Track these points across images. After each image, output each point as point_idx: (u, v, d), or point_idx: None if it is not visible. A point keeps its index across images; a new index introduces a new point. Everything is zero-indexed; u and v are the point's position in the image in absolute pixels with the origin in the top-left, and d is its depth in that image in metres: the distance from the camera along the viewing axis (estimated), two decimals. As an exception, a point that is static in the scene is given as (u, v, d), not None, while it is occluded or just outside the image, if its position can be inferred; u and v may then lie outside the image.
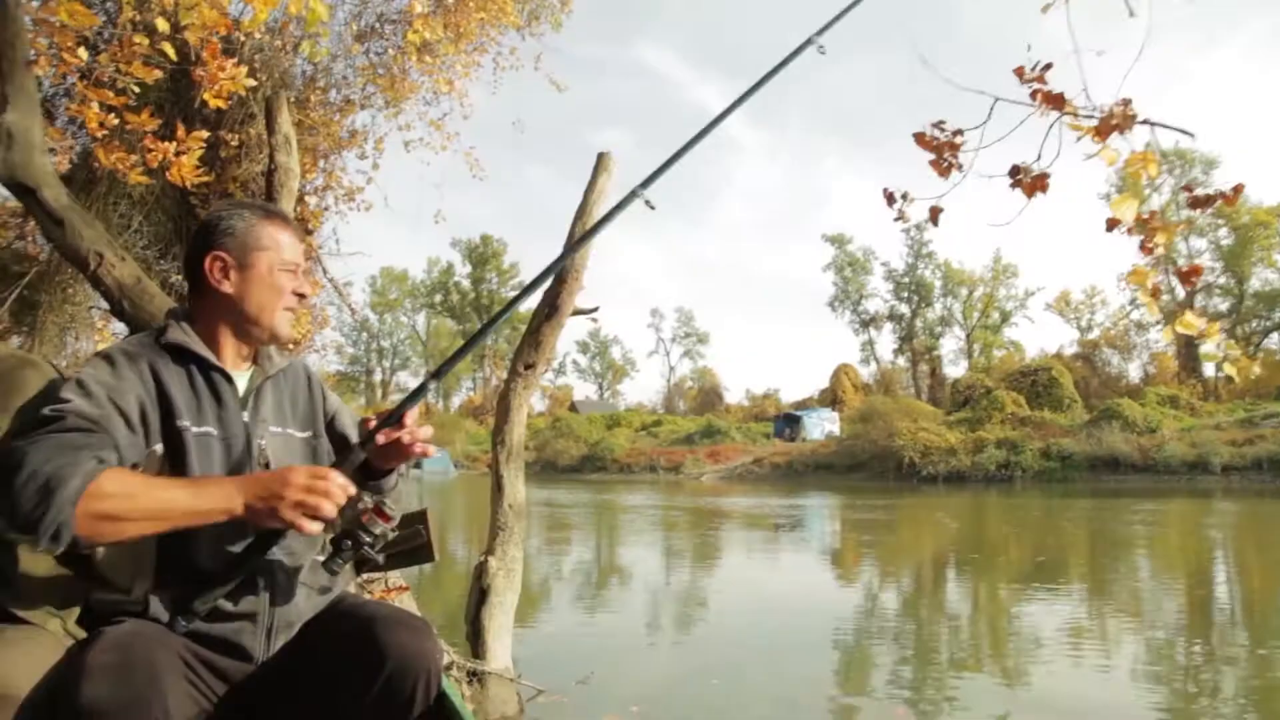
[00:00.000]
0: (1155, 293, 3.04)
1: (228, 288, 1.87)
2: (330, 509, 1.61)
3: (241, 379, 1.90)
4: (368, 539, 1.76)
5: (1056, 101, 2.98)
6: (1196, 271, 3.57)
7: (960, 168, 3.20)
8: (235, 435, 1.80)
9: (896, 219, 3.29)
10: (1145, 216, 2.98)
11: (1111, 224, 2.99)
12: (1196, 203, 2.99)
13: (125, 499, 1.50)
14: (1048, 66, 3.00)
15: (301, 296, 1.96)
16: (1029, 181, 3.12)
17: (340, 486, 1.63)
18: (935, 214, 3.25)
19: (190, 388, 1.79)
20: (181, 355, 1.81)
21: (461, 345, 1.95)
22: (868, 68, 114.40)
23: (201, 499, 1.56)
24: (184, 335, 1.83)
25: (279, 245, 1.92)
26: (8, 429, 1.72)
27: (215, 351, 1.86)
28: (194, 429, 1.75)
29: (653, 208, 2.07)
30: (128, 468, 1.60)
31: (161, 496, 1.54)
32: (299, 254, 1.97)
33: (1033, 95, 3.02)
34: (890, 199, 3.27)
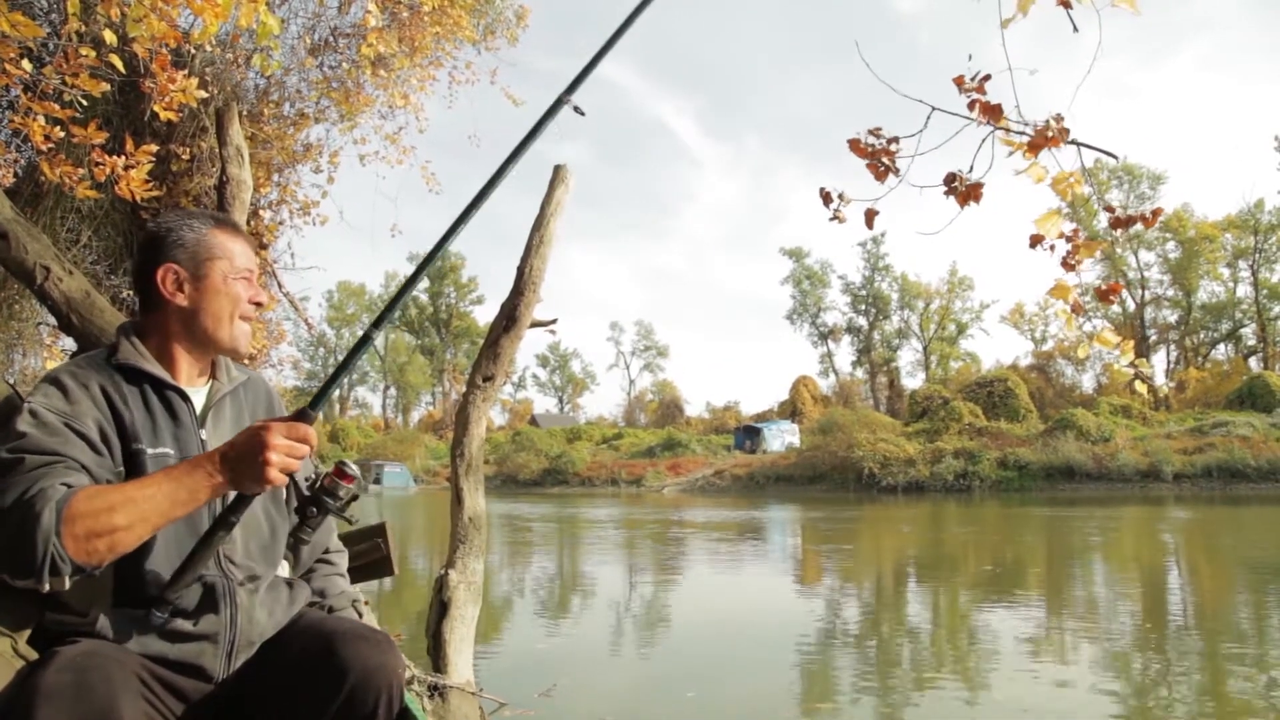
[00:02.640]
0: (1076, 308, 3.11)
1: (182, 300, 1.83)
2: (304, 452, 1.59)
3: (198, 395, 1.86)
4: (334, 502, 1.75)
5: (994, 113, 3.04)
6: (1115, 290, 3.65)
7: (897, 172, 3.24)
8: (193, 455, 1.74)
9: (832, 219, 3.31)
10: (1069, 234, 3.06)
11: (1035, 240, 3.06)
12: (1117, 223, 3.08)
13: (106, 513, 1.47)
14: (986, 77, 3.05)
15: (258, 305, 1.92)
16: (962, 191, 3.17)
17: (310, 432, 1.61)
18: (870, 217, 3.28)
19: (145, 408, 1.75)
20: (134, 375, 1.77)
21: (399, 289, 1.91)
22: (825, 82, 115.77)
23: (184, 485, 1.54)
24: (136, 354, 1.79)
25: (231, 254, 1.88)
26: None
27: (169, 367, 1.82)
28: (150, 451, 1.71)
29: (582, 114, 2.07)
30: (101, 485, 1.57)
31: (140, 497, 1.51)
32: (252, 262, 1.93)
33: (970, 105, 3.07)
34: (826, 199, 3.30)
